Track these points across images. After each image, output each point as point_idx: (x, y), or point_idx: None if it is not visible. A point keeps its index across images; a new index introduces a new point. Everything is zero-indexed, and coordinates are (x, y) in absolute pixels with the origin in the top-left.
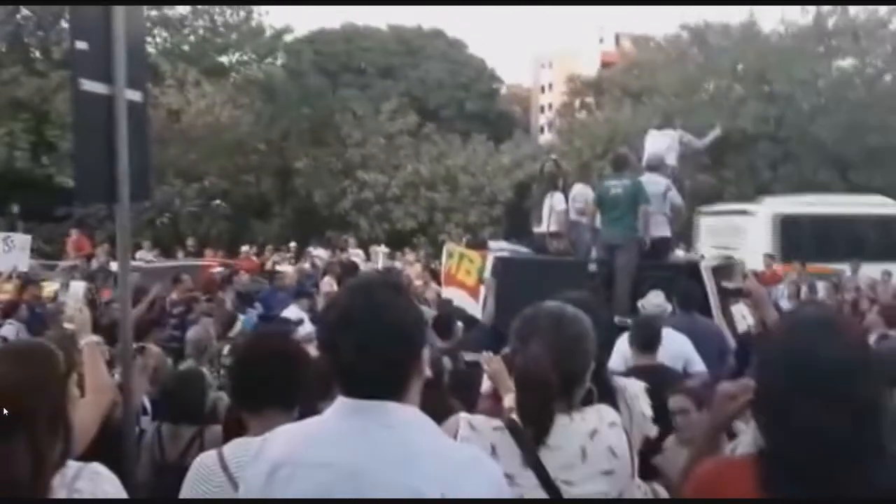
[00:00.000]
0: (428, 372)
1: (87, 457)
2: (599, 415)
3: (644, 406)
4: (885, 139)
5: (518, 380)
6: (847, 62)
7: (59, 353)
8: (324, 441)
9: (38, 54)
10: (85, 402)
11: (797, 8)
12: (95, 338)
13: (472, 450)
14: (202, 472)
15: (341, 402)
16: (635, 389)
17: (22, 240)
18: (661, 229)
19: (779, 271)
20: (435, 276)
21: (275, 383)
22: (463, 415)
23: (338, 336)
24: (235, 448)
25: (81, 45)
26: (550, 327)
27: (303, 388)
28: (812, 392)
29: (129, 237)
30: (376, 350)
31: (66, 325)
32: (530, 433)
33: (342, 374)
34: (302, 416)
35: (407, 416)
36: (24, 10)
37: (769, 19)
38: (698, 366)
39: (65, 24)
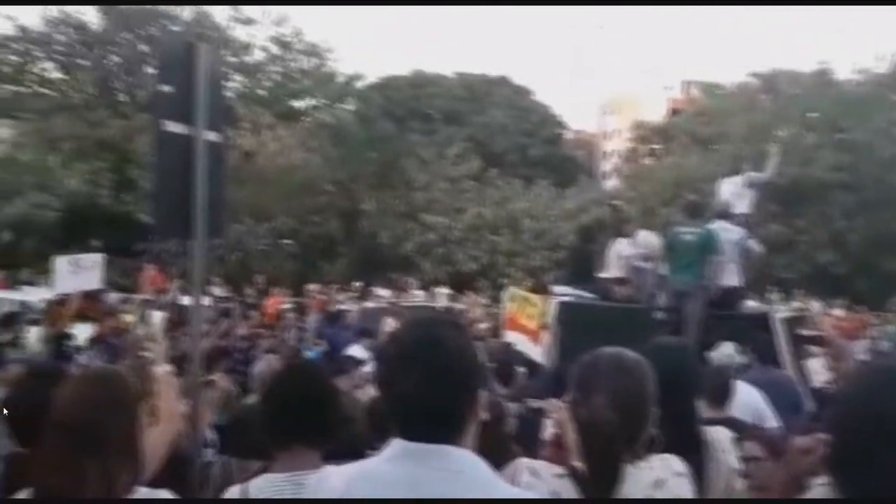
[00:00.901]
0: (485, 415)
1: (153, 484)
2: (666, 464)
3: (732, 459)
4: None
5: (582, 431)
6: None
7: (133, 381)
8: (384, 485)
9: (124, 98)
10: (155, 430)
11: (871, 56)
12: (169, 367)
13: (536, 496)
14: None
15: (398, 445)
16: (724, 440)
17: (91, 260)
18: (733, 278)
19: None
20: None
21: (304, 419)
22: (524, 460)
23: (397, 371)
24: (261, 483)
25: (165, 88)
26: (611, 376)
27: (332, 425)
28: (888, 449)
29: (203, 273)
30: (436, 386)
31: (143, 354)
32: (594, 482)
33: (399, 413)
34: (330, 456)
35: (468, 461)
36: (114, 57)
37: (842, 67)
38: (771, 421)
39: (150, 70)
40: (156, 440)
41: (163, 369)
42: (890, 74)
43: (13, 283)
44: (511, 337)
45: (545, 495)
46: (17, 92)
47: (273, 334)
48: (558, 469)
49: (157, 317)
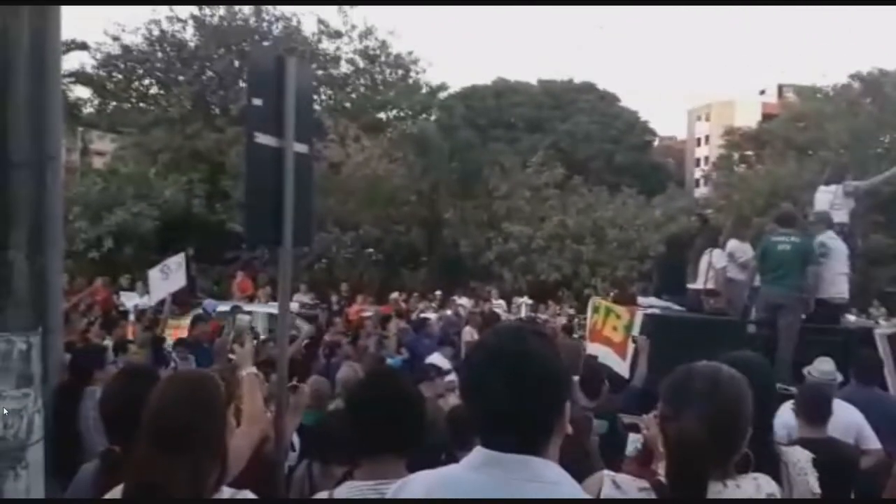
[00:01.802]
0: (569, 429)
1: (237, 486)
2: (756, 484)
3: (812, 481)
4: None
5: (672, 449)
6: None
7: (221, 384)
8: (466, 493)
9: (217, 111)
10: (240, 432)
11: None
12: (254, 370)
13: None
14: None
15: (481, 453)
16: (802, 461)
17: (175, 262)
18: (842, 288)
19: None
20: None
21: (390, 427)
22: (607, 472)
23: (485, 377)
24: (346, 490)
25: (257, 101)
26: (706, 392)
27: (417, 433)
28: None
29: (290, 279)
30: (522, 396)
31: (231, 357)
32: (679, 499)
33: (485, 421)
34: (411, 465)
35: (553, 473)
36: (209, 72)
37: None
38: (873, 443)
39: (242, 84)
40: (240, 442)
41: (248, 372)
42: None
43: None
44: (594, 349)
45: None
46: (120, 107)
47: (353, 342)
48: (642, 483)
49: (245, 320)
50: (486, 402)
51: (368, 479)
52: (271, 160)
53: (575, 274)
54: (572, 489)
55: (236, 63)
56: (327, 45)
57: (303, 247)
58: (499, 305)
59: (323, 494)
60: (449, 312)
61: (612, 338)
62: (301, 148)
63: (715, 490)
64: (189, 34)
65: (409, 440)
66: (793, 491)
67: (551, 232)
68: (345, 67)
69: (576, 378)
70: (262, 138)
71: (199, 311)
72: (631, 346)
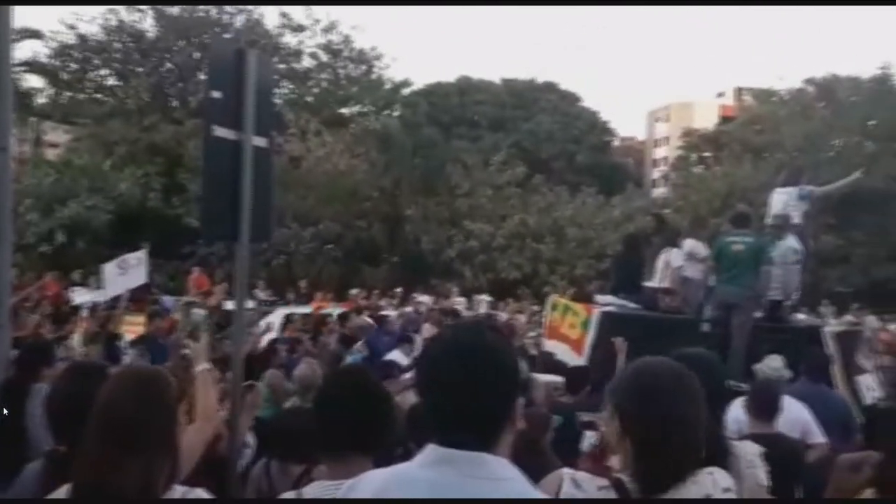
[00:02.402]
0: (520, 424)
1: (190, 483)
2: (713, 479)
3: (760, 474)
4: None
5: (638, 446)
6: None
7: (173, 381)
8: (417, 490)
9: (176, 103)
10: (192, 428)
11: None
12: (208, 366)
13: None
14: None
15: (433, 450)
16: (752, 455)
17: (135, 258)
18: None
19: None
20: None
21: (355, 426)
22: (566, 471)
23: (439, 372)
24: (315, 490)
25: (216, 93)
26: (670, 389)
27: (385, 432)
28: None
29: (247, 275)
30: (472, 392)
31: (185, 351)
32: (642, 496)
33: (438, 416)
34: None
35: (506, 470)
36: (168, 64)
37: None
38: (818, 437)
39: (202, 76)
40: (193, 438)
41: (202, 367)
42: None
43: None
44: (552, 346)
45: None
46: (75, 98)
47: (313, 338)
48: (602, 481)
49: (200, 315)
50: (440, 397)
51: (336, 478)
52: (229, 154)
53: (535, 272)
54: (524, 487)
55: (196, 55)
56: (290, 39)
57: (261, 242)
58: (459, 303)
59: (290, 495)
60: (409, 309)
61: (569, 335)
62: (260, 142)
63: (674, 487)
64: (148, 24)
65: (376, 438)
66: (742, 484)
67: (512, 230)
68: (307, 61)
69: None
70: (221, 131)
71: (155, 307)
72: (588, 343)
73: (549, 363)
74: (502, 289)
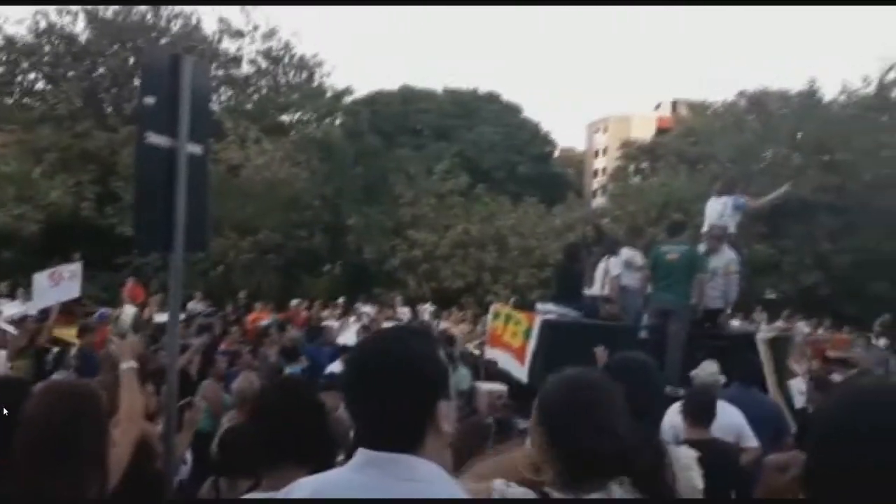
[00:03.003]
0: (447, 428)
1: (121, 496)
2: (625, 490)
3: (695, 478)
4: None
5: (563, 459)
6: None
7: (102, 393)
8: (345, 493)
9: (110, 109)
10: (118, 430)
11: (858, 77)
12: (134, 364)
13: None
14: None
15: (361, 454)
16: (686, 460)
17: (69, 270)
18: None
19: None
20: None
21: (289, 438)
22: (499, 482)
23: (356, 381)
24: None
25: (149, 99)
26: (592, 402)
27: (321, 443)
28: (873, 469)
29: (181, 286)
30: (390, 396)
31: (111, 347)
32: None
33: (360, 421)
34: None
35: (427, 471)
36: (101, 69)
37: (830, 88)
38: (752, 441)
39: (137, 82)
40: (119, 441)
41: (127, 365)
42: (875, 96)
43: None
44: (494, 354)
45: None
46: (2, 102)
47: (253, 350)
48: (530, 494)
49: (129, 313)
50: (360, 403)
51: (271, 490)
52: (163, 161)
53: (478, 281)
54: (445, 487)
55: (131, 60)
56: (228, 45)
57: (196, 252)
58: (403, 312)
59: None
60: (352, 319)
61: (511, 343)
62: (196, 149)
63: (595, 496)
64: (80, 28)
65: (312, 449)
66: (676, 488)
67: (455, 239)
68: (246, 68)
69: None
70: (155, 138)
71: (86, 320)
72: (529, 351)
73: (492, 371)
74: (446, 298)
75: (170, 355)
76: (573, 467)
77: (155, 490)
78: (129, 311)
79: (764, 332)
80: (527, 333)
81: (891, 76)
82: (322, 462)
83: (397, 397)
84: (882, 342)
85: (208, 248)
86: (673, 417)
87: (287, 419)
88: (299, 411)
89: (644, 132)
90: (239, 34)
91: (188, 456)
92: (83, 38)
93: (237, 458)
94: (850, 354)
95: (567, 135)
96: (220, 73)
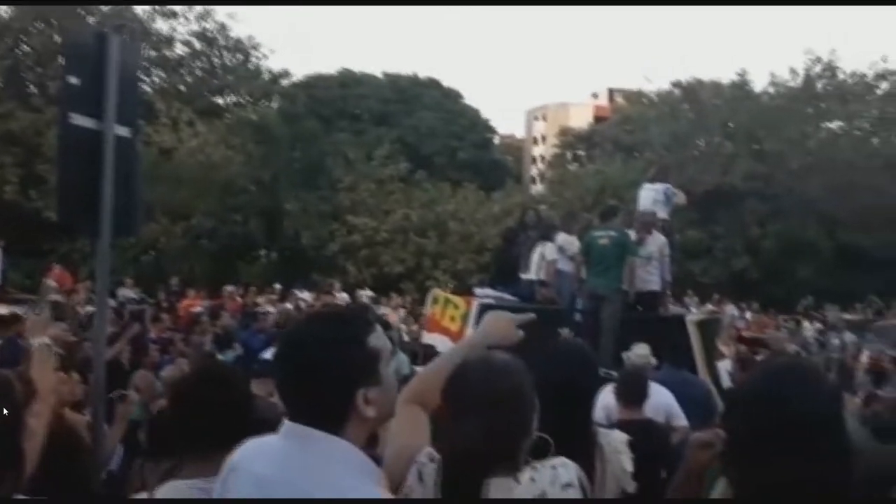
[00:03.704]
0: (371, 414)
1: (41, 480)
2: (554, 474)
3: (625, 460)
4: (872, 199)
5: (447, 456)
6: (835, 124)
7: (16, 384)
8: (262, 454)
9: (34, 90)
10: (31, 410)
11: (787, 69)
12: (46, 340)
13: (371, 493)
14: None
15: (284, 422)
16: (617, 443)
17: None
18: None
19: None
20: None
21: (213, 424)
22: (420, 458)
23: (275, 364)
24: (167, 490)
25: (73, 79)
26: (480, 392)
27: (245, 428)
28: (781, 442)
29: (108, 272)
30: (310, 382)
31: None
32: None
33: (286, 405)
34: None
35: (330, 448)
36: (25, 47)
37: (760, 79)
38: (681, 420)
39: (62, 61)
40: (33, 421)
41: (38, 342)
42: (802, 88)
43: None
44: (432, 338)
45: None
46: None
47: (186, 338)
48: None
49: (51, 285)
50: (283, 387)
51: (194, 476)
52: (89, 143)
53: (418, 266)
54: (336, 466)
55: (56, 38)
56: (161, 25)
57: (125, 237)
58: (342, 298)
59: (143, 495)
60: (289, 306)
61: (450, 327)
62: (123, 131)
63: (505, 486)
64: (1, 6)
65: (236, 436)
66: (606, 470)
67: (395, 225)
68: (180, 49)
69: None
70: (79, 119)
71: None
72: (467, 335)
73: (430, 356)
74: (386, 283)
75: (97, 343)
76: (448, 463)
77: (81, 481)
78: (50, 284)
79: (694, 314)
80: (465, 318)
81: (816, 69)
82: None
83: (316, 384)
84: (815, 325)
85: (138, 233)
86: (606, 398)
87: (207, 405)
88: (220, 397)
89: (582, 120)
90: (172, 14)
91: (119, 446)
92: (5, 14)
93: (161, 442)
94: (764, 335)
95: (507, 122)
96: (153, 53)
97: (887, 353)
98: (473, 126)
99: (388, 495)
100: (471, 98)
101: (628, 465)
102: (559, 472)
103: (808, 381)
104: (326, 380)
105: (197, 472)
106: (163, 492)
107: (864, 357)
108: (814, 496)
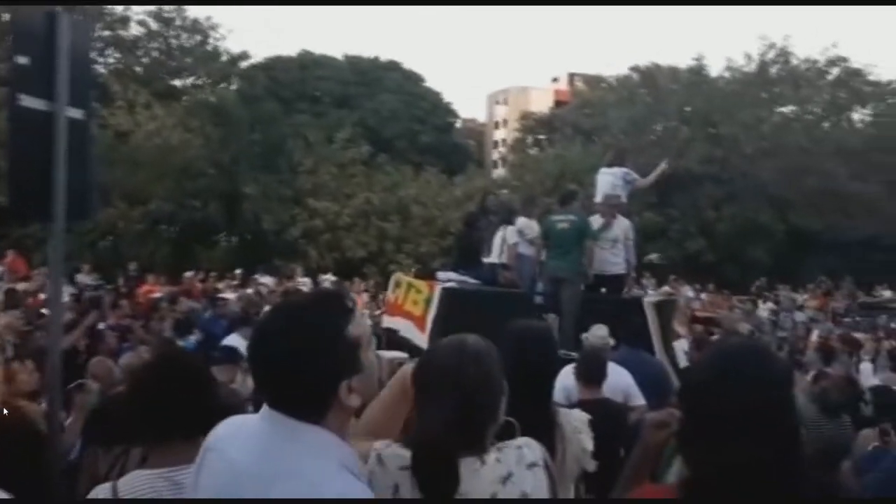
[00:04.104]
0: (353, 403)
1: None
2: (520, 454)
3: (585, 440)
4: (822, 183)
5: (413, 440)
6: (788, 109)
7: None
8: (240, 437)
9: None
10: None
11: (742, 54)
12: None
13: (346, 489)
14: None
15: (264, 406)
16: (577, 423)
17: None
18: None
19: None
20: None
21: (175, 412)
22: (377, 446)
23: (249, 346)
24: (131, 479)
25: (23, 59)
26: (448, 377)
27: (210, 415)
28: (731, 422)
29: (63, 258)
30: (273, 367)
31: None
32: (430, 482)
33: (263, 396)
34: None
35: (310, 438)
36: None
37: (716, 65)
38: (639, 400)
39: (10, 40)
40: None
41: None
42: (757, 73)
43: None
44: (394, 322)
45: (385, 487)
46: None
47: (145, 325)
48: (405, 460)
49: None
50: (256, 377)
51: (159, 466)
52: (40, 126)
53: (381, 250)
54: (316, 459)
55: (4, 17)
56: (116, 5)
57: (79, 222)
58: (303, 283)
59: (104, 487)
60: (250, 291)
61: (412, 311)
62: (76, 113)
63: (472, 467)
64: None
65: (199, 425)
66: (566, 449)
67: (357, 208)
68: (135, 29)
69: None
70: (29, 101)
71: None
72: (430, 319)
73: (393, 340)
74: (349, 268)
75: (52, 333)
76: (413, 448)
77: (39, 473)
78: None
79: (651, 296)
80: (428, 301)
81: (770, 55)
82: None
83: (298, 378)
84: (768, 305)
85: (94, 218)
86: (566, 379)
87: (167, 393)
88: (180, 385)
89: (543, 104)
90: None
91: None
92: None
93: (113, 427)
94: (716, 315)
95: (469, 106)
96: (107, 33)
97: (835, 333)
98: (435, 109)
99: (367, 492)
100: (432, 81)
101: (588, 445)
102: (524, 453)
103: (759, 363)
104: (310, 374)
105: (162, 462)
106: (126, 481)
107: (814, 336)
108: (765, 476)
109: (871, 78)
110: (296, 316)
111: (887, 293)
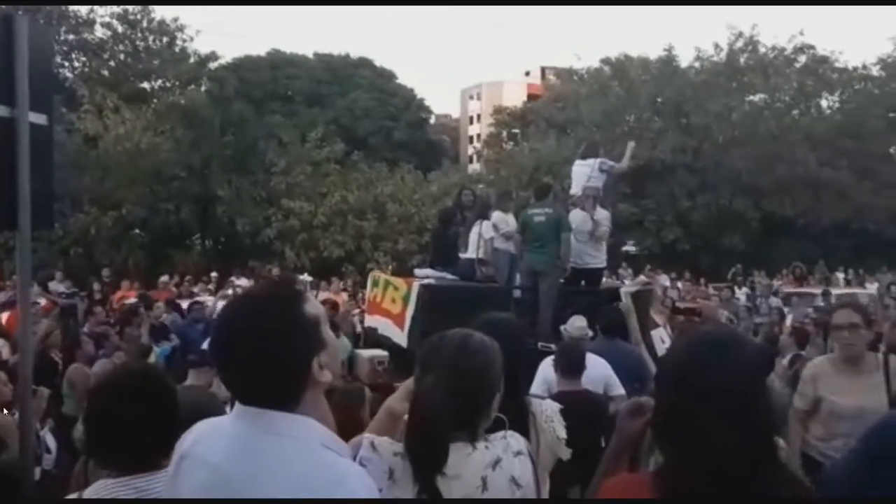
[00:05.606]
0: (325, 379)
1: None
2: (506, 443)
3: (558, 428)
4: (793, 170)
5: (410, 412)
6: (758, 97)
7: None
8: (215, 440)
9: None
10: None
11: (712, 44)
12: None
13: (346, 472)
14: None
15: (236, 406)
16: (549, 412)
17: None
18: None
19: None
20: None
21: (132, 438)
22: (367, 435)
23: (213, 347)
24: (95, 489)
25: None
26: (452, 356)
27: (174, 428)
28: (704, 410)
29: (30, 267)
30: (243, 360)
31: None
32: (421, 462)
33: (231, 389)
34: None
35: (287, 425)
36: None
37: (686, 55)
38: (618, 389)
39: None
40: None
41: None
42: (726, 63)
43: None
44: (373, 321)
45: (379, 472)
46: None
47: (121, 331)
48: (399, 447)
49: None
50: (222, 369)
51: (124, 474)
52: (1, 132)
53: (358, 249)
54: (299, 444)
55: None
56: (79, 7)
57: (44, 230)
58: None
59: (73, 496)
60: (229, 292)
61: (390, 309)
62: (38, 118)
63: (464, 452)
64: None
65: (162, 438)
66: (541, 438)
67: (333, 208)
68: (101, 32)
69: None
70: None
71: None
72: (408, 316)
73: (372, 338)
74: (326, 267)
75: (22, 343)
76: (411, 417)
77: (9, 482)
78: None
79: (628, 286)
80: (406, 298)
81: (739, 44)
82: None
83: (273, 364)
84: (744, 291)
85: (60, 226)
86: (546, 371)
87: (117, 420)
88: (131, 410)
89: (516, 98)
90: None
91: (52, 444)
92: None
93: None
94: (697, 305)
95: (442, 101)
96: (72, 37)
97: (810, 317)
98: (408, 106)
99: (358, 468)
100: (405, 77)
101: (562, 433)
102: (510, 442)
103: (730, 350)
104: (283, 356)
105: (126, 469)
106: (91, 491)
107: (788, 321)
108: (737, 462)
109: (838, 65)
110: (254, 306)
111: (840, 275)
